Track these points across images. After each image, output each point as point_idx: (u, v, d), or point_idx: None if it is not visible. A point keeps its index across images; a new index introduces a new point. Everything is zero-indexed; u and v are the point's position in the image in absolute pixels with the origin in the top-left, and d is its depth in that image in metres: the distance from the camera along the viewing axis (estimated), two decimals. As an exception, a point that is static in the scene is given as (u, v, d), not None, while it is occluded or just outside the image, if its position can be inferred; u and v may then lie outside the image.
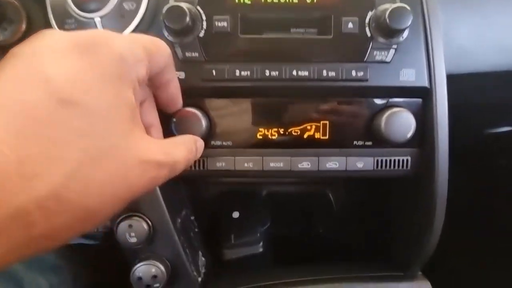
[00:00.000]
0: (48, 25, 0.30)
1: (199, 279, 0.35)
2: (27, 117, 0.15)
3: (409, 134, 0.29)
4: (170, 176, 0.20)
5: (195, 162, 0.31)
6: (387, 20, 0.26)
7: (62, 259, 0.37)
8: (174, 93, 0.25)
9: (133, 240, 0.30)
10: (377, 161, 0.30)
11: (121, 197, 0.17)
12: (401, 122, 0.28)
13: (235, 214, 0.44)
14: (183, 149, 0.22)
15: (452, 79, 0.35)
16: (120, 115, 0.17)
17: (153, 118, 0.25)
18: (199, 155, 0.26)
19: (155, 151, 0.19)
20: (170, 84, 0.24)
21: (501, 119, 0.60)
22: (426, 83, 0.29)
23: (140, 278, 0.31)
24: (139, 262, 0.31)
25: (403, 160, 0.30)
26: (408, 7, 0.26)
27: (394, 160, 0.30)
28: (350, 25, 0.27)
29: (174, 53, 0.28)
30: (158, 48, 0.21)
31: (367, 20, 0.27)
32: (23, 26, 0.32)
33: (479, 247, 0.61)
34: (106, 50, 0.17)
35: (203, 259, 0.37)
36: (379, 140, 0.29)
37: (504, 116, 0.59)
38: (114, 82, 0.17)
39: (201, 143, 0.26)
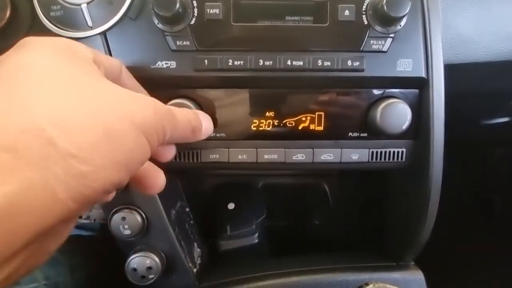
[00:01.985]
0: (33, 12, 0.28)
1: (195, 270, 0.35)
2: None
3: (405, 126, 0.28)
4: (172, 129, 0.20)
5: (188, 153, 0.30)
6: (385, 7, 0.25)
7: (58, 251, 0.37)
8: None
9: (127, 232, 0.30)
10: (372, 153, 0.30)
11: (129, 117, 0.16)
12: (397, 113, 0.28)
13: (231, 206, 0.44)
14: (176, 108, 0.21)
15: (450, 68, 0.34)
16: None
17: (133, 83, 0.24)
18: (197, 123, 0.24)
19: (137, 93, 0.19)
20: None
21: (499, 109, 0.60)
22: (423, 74, 0.28)
23: (135, 270, 0.31)
24: (133, 253, 0.31)
25: (398, 152, 0.30)
26: (406, -6, 0.25)
27: (389, 152, 0.30)
28: (347, 12, 0.27)
29: (165, 42, 0.27)
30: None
31: (364, 7, 0.27)
32: (8, 13, 0.31)
33: (473, 238, 0.62)
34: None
35: (199, 250, 0.38)
36: (374, 132, 0.29)
37: (501, 106, 0.59)
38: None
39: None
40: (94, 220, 0.72)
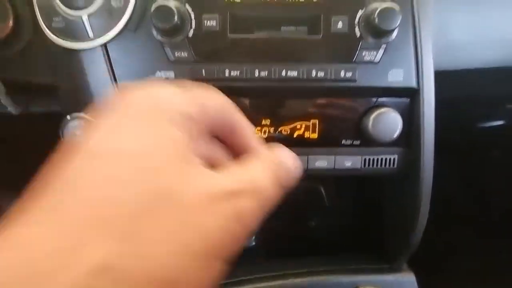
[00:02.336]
0: (35, 22, 0.29)
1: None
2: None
3: (396, 134, 0.29)
4: (263, 208, 0.15)
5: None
6: (376, 20, 0.26)
7: None
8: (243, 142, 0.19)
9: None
10: (365, 160, 0.31)
11: (198, 251, 0.13)
12: (388, 122, 0.29)
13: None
14: (264, 167, 0.16)
15: (444, 74, 0.35)
16: (165, 155, 0.14)
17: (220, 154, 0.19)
18: (294, 172, 0.18)
19: (223, 180, 0.14)
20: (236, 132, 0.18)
21: (493, 113, 0.61)
22: (414, 84, 0.29)
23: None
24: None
25: (390, 159, 0.31)
26: (397, 8, 0.26)
27: (381, 159, 0.31)
28: (340, 24, 0.27)
29: (163, 53, 0.28)
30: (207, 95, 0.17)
31: (356, 20, 0.27)
32: (11, 23, 0.31)
33: (468, 240, 0.63)
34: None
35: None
36: (366, 140, 0.30)
37: (496, 110, 0.60)
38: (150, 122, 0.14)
39: (289, 155, 0.18)
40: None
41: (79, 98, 0.29)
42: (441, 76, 0.33)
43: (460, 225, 0.64)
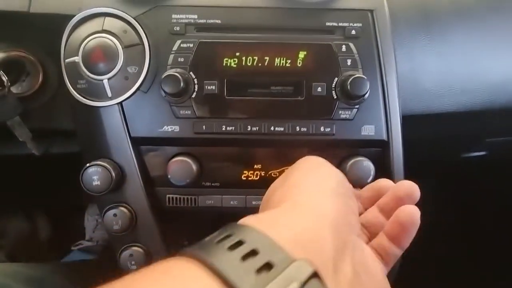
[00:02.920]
0: (62, 81, 0.34)
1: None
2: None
3: (369, 179, 0.34)
4: None
5: (187, 199, 0.36)
6: (349, 87, 0.31)
7: (66, 279, 0.41)
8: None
9: (133, 267, 0.35)
10: (344, 200, 0.35)
11: None
12: (362, 169, 0.33)
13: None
14: None
15: (422, 117, 0.39)
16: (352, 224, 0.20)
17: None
18: None
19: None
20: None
21: (473, 145, 0.65)
22: (384, 137, 0.34)
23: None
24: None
25: (365, 201, 0.35)
26: (365, 78, 0.31)
27: (358, 200, 0.35)
28: (319, 89, 0.33)
29: (170, 111, 0.33)
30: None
31: (333, 85, 0.33)
32: (40, 79, 0.37)
33: (457, 269, 0.65)
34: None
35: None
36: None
37: (475, 143, 0.64)
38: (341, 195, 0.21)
39: None
40: (97, 241, 0.76)
41: (97, 146, 0.34)
42: (418, 119, 0.37)
43: (447, 252, 0.66)
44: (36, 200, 0.68)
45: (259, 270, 0.13)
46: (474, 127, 0.52)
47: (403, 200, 0.23)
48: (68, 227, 0.83)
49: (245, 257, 0.13)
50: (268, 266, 0.13)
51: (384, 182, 0.27)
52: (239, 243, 0.14)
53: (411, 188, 0.23)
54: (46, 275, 0.40)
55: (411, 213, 0.21)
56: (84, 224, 0.81)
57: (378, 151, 0.35)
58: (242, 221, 0.17)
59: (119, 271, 0.37)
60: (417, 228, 0.21)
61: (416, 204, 0.22)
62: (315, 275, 0.13)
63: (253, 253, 0.13)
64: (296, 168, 0.24)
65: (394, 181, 0.33)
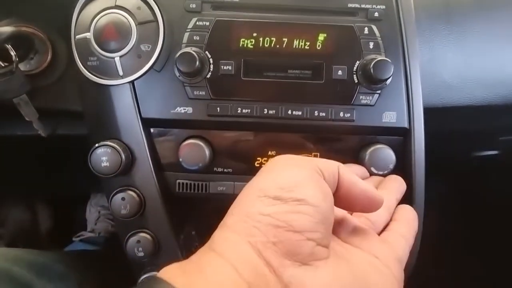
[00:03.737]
0: (71, 58, 0.33)
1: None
2: None
3: (390, 168, 0.32)
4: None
5: (198, 185, 0.34)
6: (372, 70, 0.30)
7: (67, 267, 0.40)
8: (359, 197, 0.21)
9: (141, 254, 0.34)
10: (361, 190, 0.34)
11: None
12: (383, 157, 0.32)
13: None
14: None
15: (437, 111, 0.38)
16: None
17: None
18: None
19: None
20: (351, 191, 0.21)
21: (487, 143, 0.63)
22: (406, 124, 0.32)
23: (145, 289, 0.34)
24: (144, 274, 0.35)
25: (384, 191, 0.34)
26: (390, 60, 0.30)
27: (376, 191, 0.34)
28: (340, 72, 0.31)
29: (184, 91, 0.31)
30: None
31: (354, 69, 0.31)
32: (49, 58, 0.36)
33: (464, 262, 0.64)
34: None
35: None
36: (363, 172, 0.33)
37: (489, 141, 0.63)
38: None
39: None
40: (99, 233, 0.75)
41: (106, 127, 0.33)
42: (434, 112, 0.36)
43: (453, 251, 0.65)
44: (38, 185, 0.66)
45: None
46: (489, 123, 0.50)
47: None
48: (70, 219, 0.82)
49: None
50: None
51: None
52: None
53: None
54: (47, 262, 0.39)
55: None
56: (86, 216, 0.80)
57: (399, 140, 0.34)
58: (163, 271, 0.17)
59: (121, 263, 0.36)
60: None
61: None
62: None
63: None
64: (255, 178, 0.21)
65: (414, 173, 0.32)
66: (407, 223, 0.25)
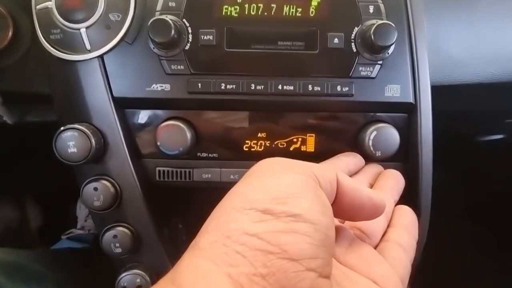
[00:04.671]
0: (34, 34, 0.29)
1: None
2: None
3: (394, 149, 0.29)
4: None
5: (181, 172, 0.31)
6: (372, 37, 0.26)
7: (47, 266, 0.37)
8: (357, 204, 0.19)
9: (118, 250, 0.30)
10: (362, 175, 0.30)
11: None
12: (386, 137, 0.29)
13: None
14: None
15: (441, 89, 0.35)
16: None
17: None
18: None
19: None
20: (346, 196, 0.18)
21: (493, 127, 0.60)
22: (411, 99, 0.29)
23: (124, 288, 0.31)
24: (124, 271, 0.31)
25: (387, 175, 0.31)
26: (393, 24, 0.26)
27: (379, 174, 0.31)
28: (336, 40, 0.27)
29: (160, 66, 0.28)
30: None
31: (352, 36, 0.28)
32: (10, 34, 0.32)
33: (468, 250, 0.62)
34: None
35: (190, 267, 0.38)
36: (364, 155, 0.30)
37: (495, 124, 0.60)
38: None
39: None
40: (89, 230, 0.72)
41: (75, 109, 0.29)
42: (438, 91, 0.33)
43: (458, 234, 0.62)
44: (21, 181, 0.63)
45: None
46: (496, 104, 0.47)
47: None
48: (61, 216, 0.79)
49: None
50: None
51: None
52: None
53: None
54: (21, 261, 0.36)
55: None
56: (76, 213, 0.76)
57: (403, 117, 0.30)
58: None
59: (106, 260, 0.33)
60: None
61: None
62: None
63: None
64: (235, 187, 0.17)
65: (421, 154, 0.29)
66: (406, 230, 0.23)
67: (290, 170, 0.16)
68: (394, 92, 0.28)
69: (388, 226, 0.23)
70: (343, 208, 0.18)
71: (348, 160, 0.28)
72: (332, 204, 0.17)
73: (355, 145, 0.30)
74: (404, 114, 0.30)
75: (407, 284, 0.20)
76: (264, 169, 0.17)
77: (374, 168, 0.29)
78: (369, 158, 0.30)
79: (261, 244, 0.13)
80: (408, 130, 0.30)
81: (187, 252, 0.14)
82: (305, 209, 0.14)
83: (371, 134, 0.28)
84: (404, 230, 0.23)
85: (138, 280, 0.31)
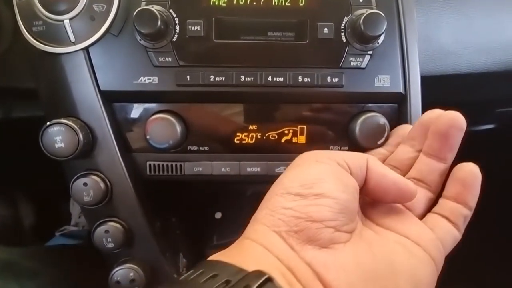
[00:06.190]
0: (17, 27, 0.28)
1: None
2: None
3: (383, 139, 0.29)
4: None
5: (172, 166, 0.31)
6: (362, 26, 0.26)
7: (40, 263, 0.37)
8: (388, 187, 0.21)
9: (110, 245, 0.30)
10: (353, 165, 0.31)
11: None
12: (375, 127, 0.29)
13: (218, 215, 0.44)
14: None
15: (432, 79, 0.35)
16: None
17: None
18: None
19: None
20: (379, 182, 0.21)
21: (484, 116, 0.61)
22: (401, 89, 0.29)
23: (118, 282, 0.31)
24: (117, 266, 0.31)
25: (377, 165, 0.31)
26: (382, 13, 0.26)
27: (369, 165, 0.31)
28: (326, 30, 0.27)
29: (147, 58, 0.27)
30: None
31: (342, 26, 0.27)
32: (-9, 27, 0.31)
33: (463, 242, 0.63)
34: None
35: (184, 260, 0.38)
36: (354, 145, 0.30)
37: (486, 114, 0.60)
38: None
39: None
40: (83, 226, 0.72)
41: (61, 104, 0.28)
42: (428, 80, 0.33)
43: None
44: (13, 178, 0.62)
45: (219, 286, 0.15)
46: (487, 93, 0.48)
47: (448, 134, 0.22)
48: (55, 213, 0.78)
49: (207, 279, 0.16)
50: (227, 282, 0.16)
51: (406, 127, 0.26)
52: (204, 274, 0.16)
53: (455, 118, 0.22)
54: (18, 259, 0.36)
55: (469, 169, 0.22)
56: (70, 210, 0.76)
57: (393, 108, 0.30)
58: (208, 258, 0.19)
59: (100, 256, 0.33)
60: (480, 182, 0.21)
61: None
62: (268, 280, 0.16)
63: (213, 276, 0.16)
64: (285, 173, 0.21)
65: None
66: (453, 200, 0.22)
67: (319, 161, 0.21)
68: (384, 82, 0.28)
69: (440, 196, 0.23)
70: (372, 190, 0.21)
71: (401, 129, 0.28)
72: (363, 186, 0.21)
73: (346, 135, 0.30)
74: (394, 104, 0.30)
75: (449, 250, 0.21)
76: (299, 161, 0.21)
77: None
78: (360, 148, 0.30)
79: (294, 213, 0.18)
80: (398, 121, 0.30)
81: (249, 224, 0.20)
82: (326, 189, 0.19)
83: (360, 124, 0.28)
84: (450, 201, 0.22)
85: (132, 274, 0.31)
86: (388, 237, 0.20)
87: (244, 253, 0.18)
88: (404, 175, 0.24)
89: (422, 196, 0.23)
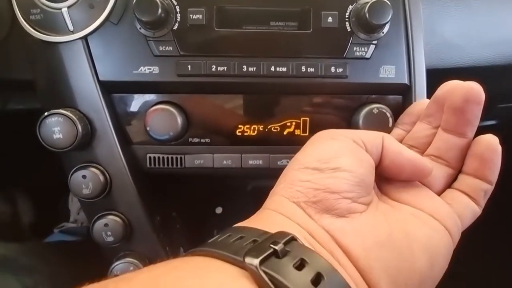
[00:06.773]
0: (14, 16, 0.28)
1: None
2: None
3: (386, 131, 0.28)
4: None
5: (173, 159, 0.30)
6: (367, 15, 0.25)
7: (38, 259, 0.36)
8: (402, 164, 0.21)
9: (110, 239, 0.30)
10: (356, 158, 0.30)
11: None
12: (379, 119, 0.28)
13: (219, 210, 0.44)
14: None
15: (435, 73, 0.34)
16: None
17: None
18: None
19: None
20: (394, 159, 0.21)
21: (486, 112, 0.60)
22: (406, 80, 0.28)
23: (118, 277, 0.31)
24: (116, 260, 0.31)
25: (381, 158, 0.30)
26: (388, 2, 0.25)
27: (373, 158, 0.30)
28: (330, 19, 0.27)
29: (147, 47, 0.27)
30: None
31: (347, 15, 0.27)
32: (-13, 16, 0.30)
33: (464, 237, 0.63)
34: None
35: (185, 255, 0.37)
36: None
37: (487, 110, 0.59)
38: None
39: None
40: (82, 223, 0.71)
41: (59, 94, 0.28)
42: (432, 74, 0.33)
43: None
44: (10, 174, 0.61)
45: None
46: (491, 87, 0.47)
47: (464, 109, 0.21)
48: (53, 210, 0.78)
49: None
50: (254, 242, 0.16)
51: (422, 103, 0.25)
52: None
53: (471, 91, 0.21)
54: (16, 255, 0.35)
55: (488, 142, 0.21)
56: (69, 206, 0.75)
57: (397, 100, 0.30)
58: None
59: (99, 253, 0.32)
60: (499, 154, 0.20)
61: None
62: (293, 238, 0.16)
63: (241, 237, 0.17)
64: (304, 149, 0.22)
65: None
66: (472, 175, 0.21)
67: (334, 138, 0.21)
68: (388, 73, 0.28)
69: (460, 171, 0.23)
70: (387, 168, 0.21)
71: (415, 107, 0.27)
72: (379, 164, 0.21)
73: (350, 127, 0.29)
74: (398, 96, 0.30)
75: (467, 224, 0.21)
76: (315, 139, 0.22)
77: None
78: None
79: (312, 185, 0.19)
80: (402, 112, 0.29)
81: (268, 197, 0.21)
82: (342, 163, 0.19)
83: (364, 116, 0.28)
84: (470, 176, 0.22)
85: (132, 268, 0.30)
86: (402, 209, 0.20)
87: (266, 221, 0.18)
88: (422, 153, 0.23)
89: (441, 172, 0.22)
